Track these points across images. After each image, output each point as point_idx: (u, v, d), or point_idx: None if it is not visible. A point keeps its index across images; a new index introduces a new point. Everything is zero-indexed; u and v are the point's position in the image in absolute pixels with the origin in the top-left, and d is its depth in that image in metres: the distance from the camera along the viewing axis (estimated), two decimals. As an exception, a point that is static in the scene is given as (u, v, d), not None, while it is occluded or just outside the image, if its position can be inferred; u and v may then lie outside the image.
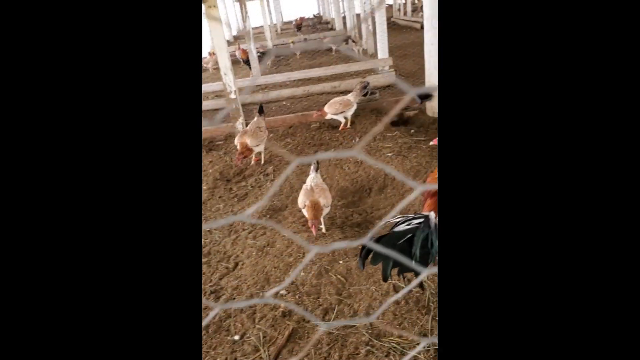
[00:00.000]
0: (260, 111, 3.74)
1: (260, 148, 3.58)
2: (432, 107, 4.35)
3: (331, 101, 4.04)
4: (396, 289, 2.01)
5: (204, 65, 8.61)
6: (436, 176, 1.95)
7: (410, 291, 1.97)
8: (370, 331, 1.81)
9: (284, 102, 6.06)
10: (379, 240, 1.71)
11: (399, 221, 1.79)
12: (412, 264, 1.74)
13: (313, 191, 2.60)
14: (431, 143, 1.99)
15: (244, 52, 7.15)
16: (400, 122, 4.31)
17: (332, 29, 12.44)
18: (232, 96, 4.13)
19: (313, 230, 2.48)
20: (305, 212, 2.60)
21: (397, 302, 1.91)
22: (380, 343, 1.74)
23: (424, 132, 3.96)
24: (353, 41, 8.73)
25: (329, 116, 4.03)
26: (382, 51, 6.56)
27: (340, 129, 4.19)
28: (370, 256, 1.71)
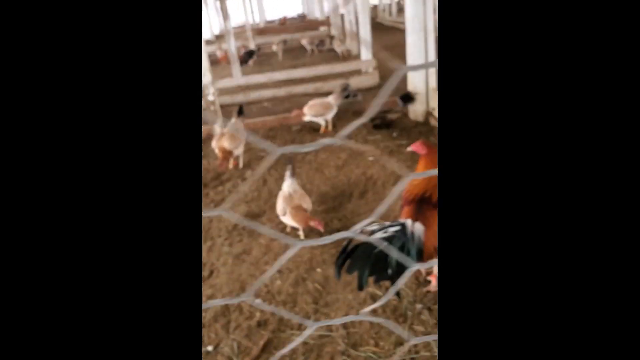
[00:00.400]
0: (240, 112, 3.67)
1: (239, 151, 3.52)
2: (414, 111, 4.35)
3: (311, 102, 4.00)
4: (374, 298, 1.98)
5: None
6: (415, 183, 1.92)
7: (388, 300, 1.94)
8: (346, 340, 1.78)
9: (265, 104, 6.00)
10: (355, 248, 1.68)
11: (375, 229, 1.77)
12: (388, 273, 1.72)
13: (292, 197, 2.55)
14: (409, 149, 1.97)
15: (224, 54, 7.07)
16: (383, 125, 4.29)
17: (317, 28, 12.40)
18: (210, 98, 4.05)
19: (320, 226, 2.42)
20: (285, 219, 2.56)
21: (374, 311, 1.88)
22: (357, 353, 1.71)
23: (406, 135, 3.95)
24: (340, 40, 8.70)
25: (307, 118, 3.98)
26: (366, 52, 6.55)
27: (321, 131, 4.16)
28: (346, 265, 1.68)
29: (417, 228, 1.76)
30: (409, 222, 1.77)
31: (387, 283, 1.90)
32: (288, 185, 2.62)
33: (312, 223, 2.42)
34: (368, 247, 1.68)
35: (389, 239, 1.72)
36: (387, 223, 1.78)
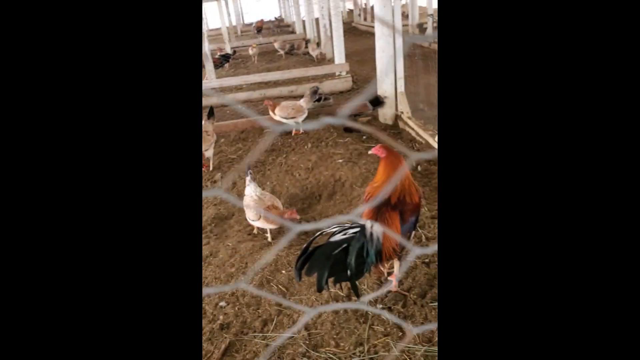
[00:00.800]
0: (210, 114, 3.65)
1: (209, 153, 3.50)
2: (384, 114, 4.42)
3: (283, 104, 4.01)
4: (336, 299, 2.00)
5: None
6: (375, 185, 1.96)
7: (359, 297, 1.97)
8: (307, 342, 1.79)
9: (240, 106, 5.97)
10: (314, 251, 1.69)
11: (335, 231, 1.79)
12: (348, 274, 1.74)
13: (262, 200, 2.55)
14: (370, 152, 2.00)
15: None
16: (354, 128, 4.34)
17: (292, 32, 12.42)
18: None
19: (295, 215, 2.47)
20: (258, 224, 2.55)
21: (335, 312, 1.91)
22: (317, 354, 1.73)
23: (376, 138, 4.00)
24: (316, 44, 8.73)
25: (277, 117, 4.00)
26: (339, 56, 6.60)
27: (293, 133, 4.17)
28: (305, 267, 1.69)
29: (376, 229, 1.79)
30: (368, 223, 1.80)
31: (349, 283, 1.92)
32: (252, 190, 2.62)
33: (288, 215, 2.45)
34: (327, 248, 1.70)
35: (348, 240, 1.74)
36: (347, 224, 1.80)
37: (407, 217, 1.87)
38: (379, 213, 1.85)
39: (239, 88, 6.55)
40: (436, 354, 1.63)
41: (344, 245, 1.71)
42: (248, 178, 2.68)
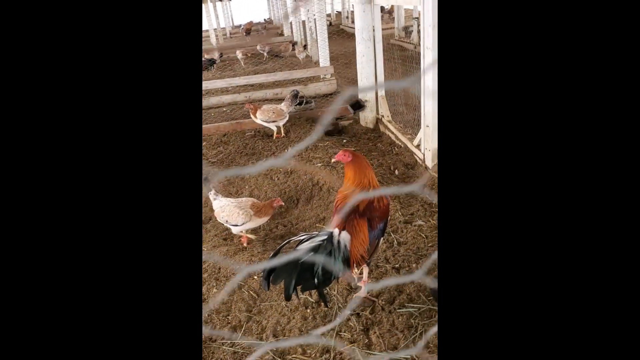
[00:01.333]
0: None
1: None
2: (365, 117, 4.44)
3: (264, 107, 4.02)
4: (306, 305, 2.01)
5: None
6: (345, 192, 1.97)
7: (320, 306, 1.98)
8: (275, 349, 1.79)
9: (224, 109, 5.95)
10: (282, 259, 1.70)
11: (303, 239, 1.80)
12: (315, 282, 1.75)
13: (240, 207, 2.54)
14: (333, 160, 2.01)
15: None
16: (335, 131, 4.35)
17: (281, 34, 12.42)
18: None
19: (280, 202, 2.63)
20: (251, 224, 2.56)
21: (304, 318, 1.91)
22: (284, 361, 1.73)
23: (356, 142, 4.02)
24: (303, 47, 8.74)
25: (258, 120, 4.00)
26: (324, 59, 6.61)
27: (274, 137, 4.18)
28: (272, 275, 1.70)
29: (344, 237, 1.80)
30: (335, 231, 1.81)
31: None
32: (225, 200, 2.61)
33: (276, 203, 2.59)
34: (294, 257, 1.70)
35: (316, 248, 1.75)
36: (315, 233, 1.81)
37: (375, 224, 1.88)
38: (347, 221, 1.86)
39: (224, 90, 6.53)
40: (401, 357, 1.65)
41: (311, 253, 1.72)
42: (211, 193, 2.66)
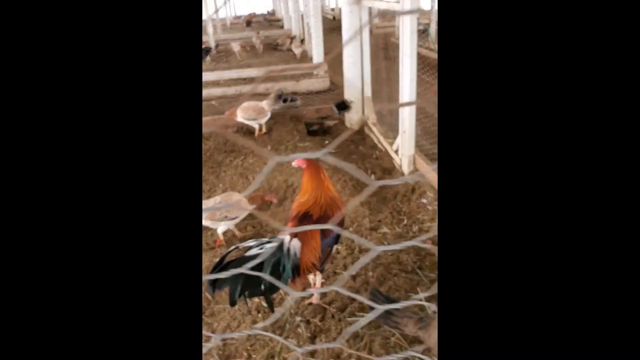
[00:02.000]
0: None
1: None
2: (350, 119, 4.42)
3: (244, 105, 4.00)
4: (259, 309, 2.02)
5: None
6: (301, 201, 1.96)
7: (272, 312, 1.98)
8: (221, 352, 1.81)
9: (213, 102, 5.94)
10: (228, 264, 1.70)
11: (252, 245, 1.80)
12: (262, 288, 1.75)
13: (228, 197, 2.56)
14: (293, 164, 2.00)
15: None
16: (320, 131, 4.34)
17: (282, 27, 12.35)
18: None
19: (273, 198, 2.76)
20: (240, 212, 2.56)
21: (254, 322, 1.92)
22: (228, 365, 1.75)
23: (338, 143, 4.01)
24: (302, 41, 8.70)
25: (240, 120, 3.99)
26: (318, 56, 6.58)
27: (256, 135, 4.17)
28: (217, 281, 1.70)
29: (294, 244, 1.81)
30: (286, 238, 1.81)
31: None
32: (210, 200, 2.62)
33: (267, 198, 2.68)
34: (241, 262, 1.70)
35: (264, 255, 1.75)
36: (265, 239, 1.81)
37: (328, 232, 1.88)
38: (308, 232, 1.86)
39: (215, 83, 6.51)
40: (342, 370, 1.66)
41: (259, 260, 1.72)
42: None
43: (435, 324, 1.42)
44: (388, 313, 1.48)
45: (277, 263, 1.76)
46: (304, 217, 1.89)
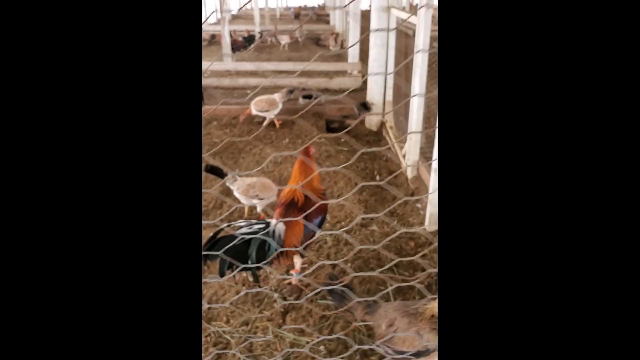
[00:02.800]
0: (195, 101, 3.96)
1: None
2: (370, 120, 4.59)
3: (258, 98, 4.30)
4: (244, 283, 2.27)
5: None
6: (287, 189, 2.19)
7: (256, 286, 2.23)
8: (205, 314, 2.07)
9: (248, 92, 6.24)
10: (220, 240, 1.94)
11: (242, 225, 2.05)
12: (249, 263, 2.00)
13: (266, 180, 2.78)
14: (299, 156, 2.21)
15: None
16: (340, 129, 4.54)
17: (329, 22, 12.55)
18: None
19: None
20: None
21: (237, 293, 2.18)
22: (208, 325, 2.01)
23: (353, 143, 4.20)
24: (342, 41, 8.89)
25: (253, 111, 4.27)
26: (353, 55, 6.76)
27: (277, 125, 4.44)
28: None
29: (279, 227, 2.04)
30: (273, 221, 2.05)
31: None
32: (242, 180, 2.80)
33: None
34: (231, 239, 1.95)
35: (252, 234, 2.00)
36: (254, 220, 2.06)
37: (311, 218, 2.10)
38: (286, 214, 2.09)
39: (253, 73, 6.83)
40: (304, 343, 1.88)
41: (247, 237, 1.97)
42: (229, 178, 2.80)
43: (381, 311, 1.61)
44: (342, 297, 1.69)
45: (263, 242, 2.00)
46: (290, 205, 2.12)
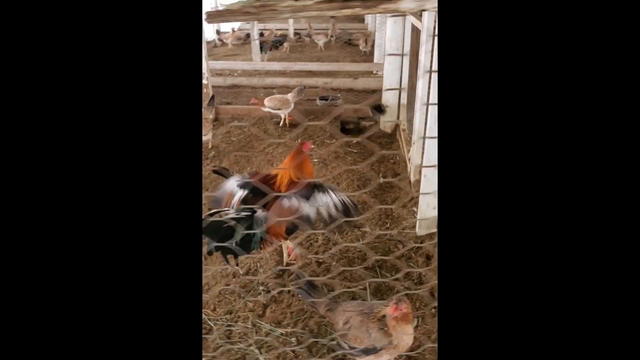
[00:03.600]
0: (211, 101, 4.18)
1: (207, 137, 4.03)
2: (384, 122, 4.65)
3: (272, 96, 4.47)
4: (234, 275, 2.44)
5: (224, 40, 9.06)
6: (275, 171, 2.35)
7: (245, 275, 2.39)
8: (195, 302, 2.26)
9: (275, 91, 6.44)
10: (208, 223, 2.10)
11: (230, 211, 2.21)
12: (233, 247, 2.15)
13: None
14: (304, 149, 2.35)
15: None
16: (355, 130, 4.64)
17: (363, 21, 12.54)
18: (204, 81, 4.57)
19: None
20: None
21: (227, 284, 2.35)
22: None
23: (364, 144, 4.28)
24: (373, 41, 8.92)
25: (266, 108, 4.44)
26: (379, 55, 6.79)
27: (280, 124, 4.62)
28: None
29: (262, 214, 2.19)
30: (260, 210, 2.21)
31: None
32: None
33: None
34: (219, 222, 2.11)
35: (238, 219, 2.15)
36: (241, 207, 2.22)
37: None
38: (271, 200, 2.23)
39: (282, 73, 7.02)
40: (278, 333, 2.03)
41: (233, 222, 2.12)
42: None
43: (340, 309, 1.72)
44: (308, 294, 1.82)
45: (249, 228, 2.15)
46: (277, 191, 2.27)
